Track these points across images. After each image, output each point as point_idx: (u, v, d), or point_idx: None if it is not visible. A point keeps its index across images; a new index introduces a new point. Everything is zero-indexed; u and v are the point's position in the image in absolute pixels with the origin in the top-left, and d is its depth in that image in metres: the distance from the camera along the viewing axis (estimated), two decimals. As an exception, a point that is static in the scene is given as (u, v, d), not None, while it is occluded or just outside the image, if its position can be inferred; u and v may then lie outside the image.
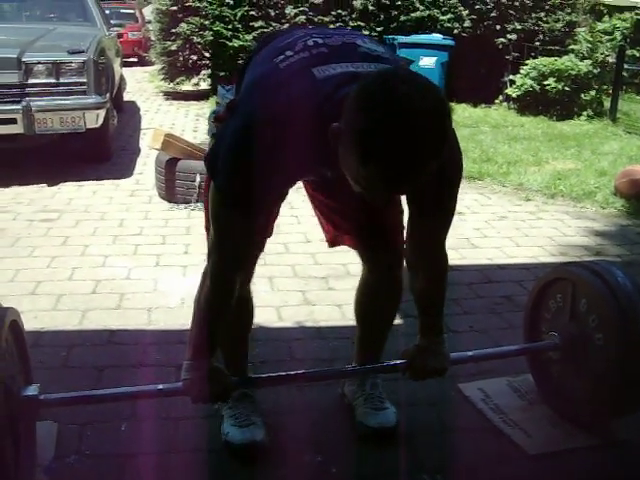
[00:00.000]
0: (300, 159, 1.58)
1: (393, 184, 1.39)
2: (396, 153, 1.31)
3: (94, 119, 5.35)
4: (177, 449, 2.07)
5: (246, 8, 9.66)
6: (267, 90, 1.58)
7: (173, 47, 9.93)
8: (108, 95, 5.78)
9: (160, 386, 1.95)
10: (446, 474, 1.98)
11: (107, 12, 8.36)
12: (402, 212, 2.08)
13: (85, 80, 5.28)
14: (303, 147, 1.54)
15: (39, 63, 5.15)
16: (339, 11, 9.84)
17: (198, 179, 4.58)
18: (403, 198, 1.79)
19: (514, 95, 9.19)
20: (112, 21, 8.15)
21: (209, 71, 10.19)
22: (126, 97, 9.63)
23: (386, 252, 2.10)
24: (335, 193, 1.98)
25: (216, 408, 2.15)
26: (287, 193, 1.97)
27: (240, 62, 1.91)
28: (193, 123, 8.26)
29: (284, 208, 2.08)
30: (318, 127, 1.49)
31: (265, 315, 2.80)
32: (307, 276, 3.47)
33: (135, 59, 16.13)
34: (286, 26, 9.26)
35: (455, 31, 9.76)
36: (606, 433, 2.16)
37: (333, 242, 2.21)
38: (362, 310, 2.27)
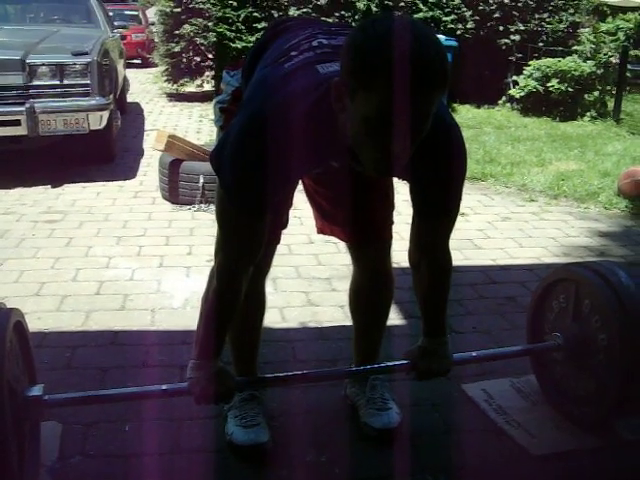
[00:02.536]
0: (307, 152, 1.56)
1: (399, 110, 1.32)
2: (400, 63, 1.28)
3: (98, 120, 5.35)
4: (181, 449, 2.07)
5: (249, 9, 9.66)
6: (272, 87, 1.57)
7: (176, 48, 9.95)
8: (112, 96, 5.78)
9: (164, 386, 1.95)
10: (449, 475, 1.98)
11: (110, 14, 8.38)
12: (393, 207, 2.10)
13: (89, 82, 5.29)
14: (310, 140, 1.54)
15: (43, 65, 5.17)
16: (342, 12, 9.83)
17: (202, 180, 4.60)
18: (400, 196, 1.78)
19: (517, 96, 9.18)
20: (115, 23, 8.15)
21: (212, 72, 10.20)
22: (130, 98, 9.65)
23: (373, 246, 2.11)
24: (331, 181, 1.97)
25: (224, 409, 2.15)
26: (297, 184, 1.96)
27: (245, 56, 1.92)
28: (196, 124, 8.27)
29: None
30: (323, 118, 1.50)
31: (269, 316, 2.79)
32: (310, 277, 3.47)
33: (139, 60, 16.17)
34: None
35: (458, 32, 9.74)
36: (610, 434, 2.15)
37: (321, 229, 2.22)
38: (354, 307, 2.28)
